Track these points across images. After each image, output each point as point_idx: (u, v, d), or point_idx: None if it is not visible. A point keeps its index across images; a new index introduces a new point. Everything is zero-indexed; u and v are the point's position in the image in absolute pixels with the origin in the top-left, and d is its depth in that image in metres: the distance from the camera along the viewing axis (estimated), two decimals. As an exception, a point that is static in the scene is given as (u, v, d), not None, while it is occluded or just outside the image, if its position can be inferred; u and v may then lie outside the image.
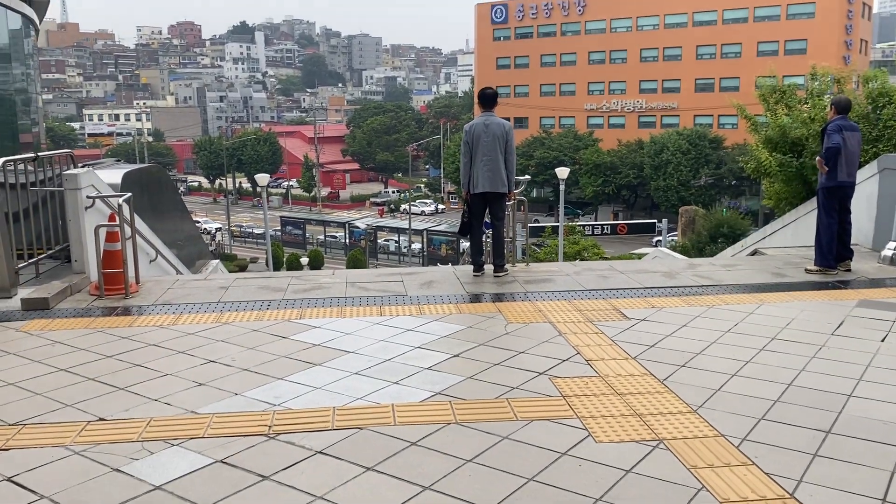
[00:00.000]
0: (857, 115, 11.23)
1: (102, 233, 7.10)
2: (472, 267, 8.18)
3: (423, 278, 7.92)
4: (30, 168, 7.91)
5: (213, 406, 4.45)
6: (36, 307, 6.64)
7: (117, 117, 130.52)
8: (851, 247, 8.05)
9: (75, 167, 8.83)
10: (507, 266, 8.22)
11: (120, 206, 7.07)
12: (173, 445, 3.91)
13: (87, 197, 7.47)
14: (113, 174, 9.72)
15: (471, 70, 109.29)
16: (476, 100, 8.13)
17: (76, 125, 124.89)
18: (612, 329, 5.97)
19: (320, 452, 3.81)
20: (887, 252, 8.21)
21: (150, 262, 9.67)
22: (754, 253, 10.19)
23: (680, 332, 5.92)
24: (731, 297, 7.03)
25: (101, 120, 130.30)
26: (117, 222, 7.03)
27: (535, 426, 4.12)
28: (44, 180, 8.08)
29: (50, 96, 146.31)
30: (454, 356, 5.33)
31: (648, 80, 67.22)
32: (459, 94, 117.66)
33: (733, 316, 6.34)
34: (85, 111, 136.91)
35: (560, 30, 71.78)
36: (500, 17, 74.73)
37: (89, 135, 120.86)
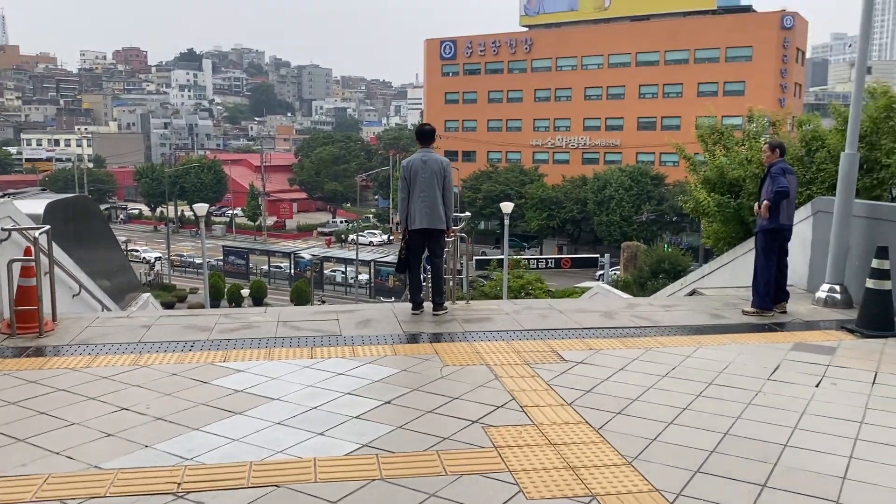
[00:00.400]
0: (791, 157, 11.50)
1: (17, 267, 6.69)
2: (410, 305, 7.99)
3: (359, 317, 7.68)
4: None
5: (120, 460, 4.12)
6: (-62, 347, 6.18)
7: (57, 142, 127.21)
8: (787, 288, 8.12)
9: (-7, 196, 8.37)
10: (447, 304, 8.05)
11: (36, 239, 6.68)
12: (69, 507, 3.58)
13: (2, 229, 7.04)
14: (35, 204, 9.26)
15: (420, 104, 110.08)
16: (415, 136, 8.02)
17: (13, 150, 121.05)
18: (549, 372, 5.82)
19: (231, 514, 3.53)
20: (821, 294, 8.31)
21: (73, 296, 9.20)
22: (693, 293, 10.25)
23: (617, 375, 5.81)
24: (668, 339, 6.98)
25: (40, 145, 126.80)
26: (33, 256, 6.62)
27: (464, 481, 3.91)
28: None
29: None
30: (385, 403, 5.10)
31: (592, 117, 68.66)
32: (409, 127, 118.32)
33: (671, 359, 6.27)
34: (23, 135, 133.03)
35: (507, 67, 72.97)
36: (449, 52, 75.62)
37: (27, 160, 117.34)
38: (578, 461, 4.17)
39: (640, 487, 3.85)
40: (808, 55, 71.83)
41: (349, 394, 5.28)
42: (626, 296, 14.48)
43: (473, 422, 4.76)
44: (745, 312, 7.86)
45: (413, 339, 6.85)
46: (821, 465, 4.20)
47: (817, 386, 5.60)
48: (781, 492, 3.85)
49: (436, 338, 6.87)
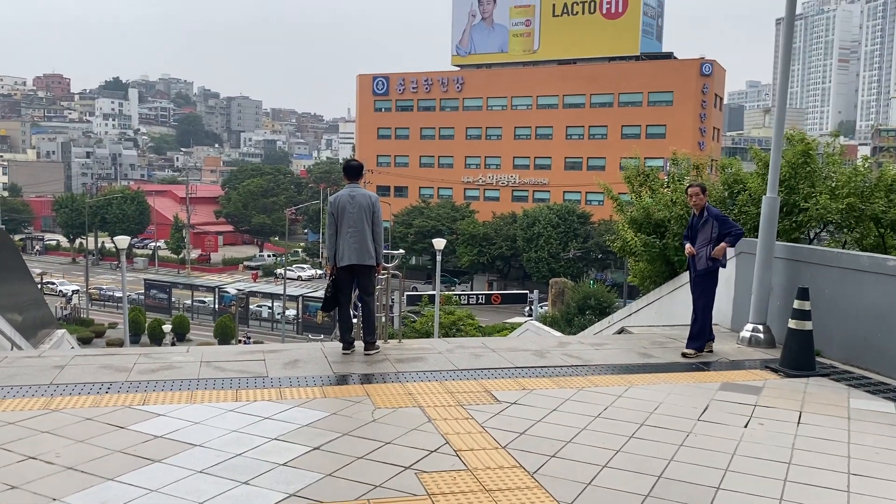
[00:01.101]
0: (714, 199, 11.86)
1: (-84, 303, 6.23)
2: (341, 344, 7.80)
3: (287, 357, 7.44)
4: None
5: (24, 516, 3.81)
6: None
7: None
8: (714, 326, 8.29)
9: None
10: (379, 343, 7.90)
11: (-61, 273, 6.24)
12: (-36, 571, 3.27)
13: None
14: (-60, 236, 8.71)
15: (352, 138, 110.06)
16: (342, 171, 7.92)
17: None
18: (483, 414, 5.73)
19: (146, 575, 3.28)
20: (745, 333, 8.51)
21: (-21, 334, 8.65)
22: (621, 331, 10.37)
23: (550, 416, 5.76)
24: (600, 378, 7.00)
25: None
26: (-66, 292, 6.19)
27: (397, 532, 3.76)
28: None
29: None
30: (315, 449, 4.91)
31: (522, 156, 69.95)
32: (340, 161, 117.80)
33: (603, 399, 6.27)
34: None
35: (439, 105, 73.83)
36: (382, 88, 76.05)
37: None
38: (514, 508, 4.07)
39: (577, 535, 3.78)
40: (725, 101, 75.19)
41: (276, 439, 5.07)
42: (557, 333, 14.59)
43: (406, 468, 4.62)
44: (685, 355, 7.90)
45: (343, 380, 6.66)
46: (752, 507, 4.22)
47: (745, 426, 5.68)
48: (716, 536, 3.84)
49: (367, 379, 6.70)
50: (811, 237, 12.47)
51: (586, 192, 64.14)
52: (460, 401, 6.07)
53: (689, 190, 8.04)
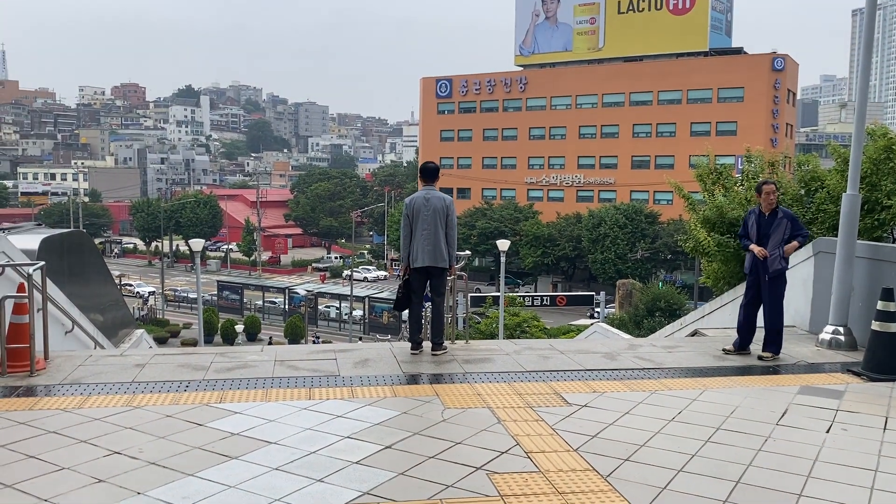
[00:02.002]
0: (790, 197, 11.50)
1: (9, 304, 6.55)
2: (409, 344, 7.86)
3: (357, 356, 7.54)
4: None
5: (111, 508, 3.95)
6: (-75, 386, 6.01)
7: (53, 176, 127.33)
8: (791, 329, 8.03)
9: (-13, 231, 8.27)
10: (446, 343, 7.92)
11: (30, 275, 6.55)
12: (57, 559, 3.42)
13: (-4, 265, 6.92)
14: (30, 240, 9.15)
15: (415, 141, 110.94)
16: (419, 174, 7.96)
17: (9, 183, 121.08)
18: (553, 416, 5.68)
19: (227, 568, 3.37)
20: (825, 336, 8.21)
21: (66, 333, 9.05)
22: (694, 333, 10.13)
23: (622, 420, 5.67)
24: (673, 381, 6.85)
25: (37, 179, 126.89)
26: (25, 293, 6.49)
27: (470, 532, 3.76)
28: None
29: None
30: (386, 448, 4.95)
31: (587, 155, 69.16)
32: (404, 164, 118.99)
33: (677, 403, 6.14)
34: (20, 169, 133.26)
35: (502, 105, 73.66)
36: (445, 91, 76.35)
37: (22, 193, 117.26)
38: (588, 511, 4.02)
39: (653, 540, 3.71)
40: (798, 96, 72.73)
41: (349, 437, 5.13)
42: (626, 336, 14.35)
43: (477, 468, 4.62)
44: (762, 358, 7.66)
45: (413, 380, 6.71)
46: (837, 516, 4.06)
47: (828, 431, 5.48)
48: (799, 545, 3.71)
49: (436, 379, 6.73)
50: (894, 236, 11.95)
51: (654, 192, 63.02)
52: (529, 402, 6.03)
53: (765, 187, 7.73)
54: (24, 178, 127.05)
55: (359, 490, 4.26)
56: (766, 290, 7.72)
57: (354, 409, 5.76)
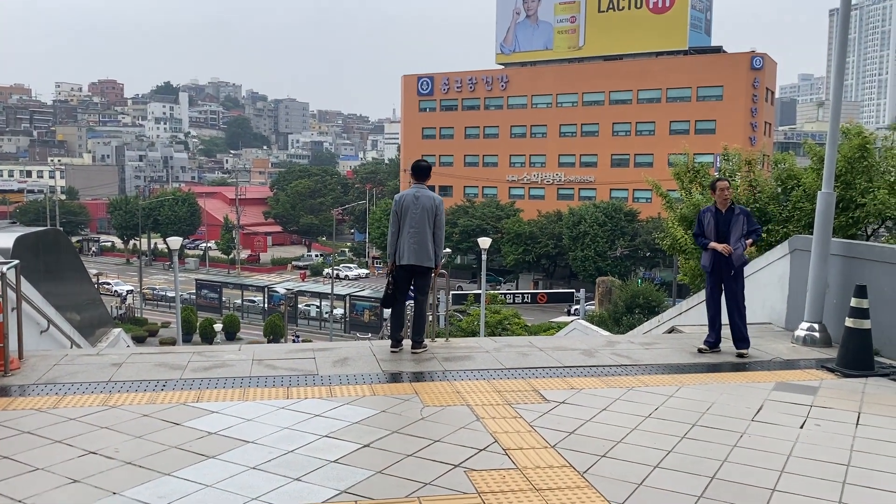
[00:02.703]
0: (767, 196, 11.62)
1: (-18, 303, 6.46)
2: (389, 342, 7.86)
3: (336, 355, 7.53)
4: None
5: (86, 509, 3.92)
6: None
7: (29, 174, 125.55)
8: (767, 325, 8.12)
9: (-40, 229, 8.15)
10: (427, 342, 7.93)
11: (3, 274, 6.47)
12: (31, 561, 3.38)
13: (-32, 263, 6.82)
14: (4, 238, 9.02)
15: (397, 138, 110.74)
16: (410, 171, 7.94)
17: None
18: (532, 413, 5.71)
19: (203, 568, 3.35)
20: (800, 332, 8.31)
21: (42, 332, 8.93)
22: (671, 330, 10.22)
23: (600, 416, 5.71)
24: (650, 377, 6.91)
25: (12, 176, 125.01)
26: (-1, 292, 6.41)
27: (447, 530, 3.77)
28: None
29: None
30: (364, 446, 4.95)
31: (567, 154, 69.47)
32: (386, 161, 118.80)
33: (653, 399, 6.19)
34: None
35: (484, 103, 73.79)
36: (427, 89, 76.34)
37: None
38: (564, 507, 4.05)
39: (629, 535, 3.74)
40: (776, 95, 73.48)
41: (327, 436, 5.13)
42: (605, 333, 14.44)
43: (455, 466, 4.63)
44: (741, 355, 7.73)
45: (392, 378, 6.71)
46: (810, 510, 4.12)
47: (801, 427, 5.55)
48: (772, 539, 3.76)
49: (416, 377, 6.73)
50: (868, 233, 12.12)
51: (634, 190, 63.45)
52: (508, 399, 6.06)
53: (719, 184, 7.78)
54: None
55: (336, 489, 4.26)
56: (730, 286, 7.76)
57: (333, 408, 5.75)
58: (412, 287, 7.81)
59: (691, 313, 11.10)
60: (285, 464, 4.62)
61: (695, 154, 15.28)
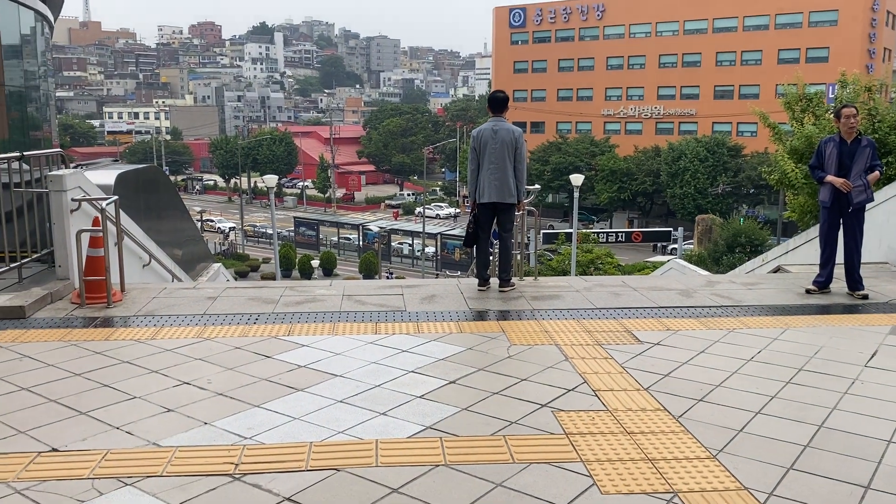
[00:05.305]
0: (888, 125, 10.69)
1: (86, 237, 6.72)
2: (476, 280, 7.74)
3: (424, 292, 7.48)
4: (24, 167, 7.55)
5: (179, 437, 4.02)
6: (11, 315, 6.26)
7: (137, 115, 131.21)
8: (883, 265, 7.53)
9: (66, 168, 8.48)
10: (514, 280, 7.76)
11: (104, 209, 6.68)
12: (126, 485, 3.49)
13: (73, 199, 7.09)
14: (106, 175, 9.36)
15: (488, 73, 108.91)
16: (487, 104, 7.68)
17: (96, 123, 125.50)
18: (623, 354, 5.50)
19: (288, 500, 3.37)
20: (921, 273, 7.68)
21: (143, 266, 9.31)
22: (777, 269, 9.67)
23: (697, 359, 5.44)
24: (752, 319, 6.54)
25: (121, 118, 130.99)
26: (100, 227, 6.63)
27: (533, 470, 3.66)
28: (31, 181, 7.71)
29: (71, 94, 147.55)
30: (450, 383, 4.88)
31: (667, 86, 66.49)
32: (476, 98, 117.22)
33: (756, 342, 5.85)
34: (105, 109, 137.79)
35: (578, 34, 71.20)
36: (518, 20, 74.24)
37: (108, 132, 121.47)
38: (658, 453, 3.86)
39: (727, 485, 3.53)
40: (900, 18, 67.58)
41: (413, 372, 5.09)
42: (704, 272, 13.88)
43: (542, 405, 4.50)
44: (862, 296, 7.19)
45: (479, 316, 6.60)
46: (931, 465, 3.78)
47: (922, 375, 5.12)
48: (887, 495, 3.47)
49: (503, 315, 6.61)
50: None
51: (737, 123, 60.34)
52: (599, 340, 5.85)
53: (845, 111, 7.04)
54: (109, 118, 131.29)
55: (421, 424, 4.21)
56: (850, 223, 7.18)
57: (420, 344, 5.71)
58: (496, 225, 7.62)
59: (799, 252, 10.46)
60: (371, 398, 4.61)
61: (805, 84, 14.20)
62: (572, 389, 4.77)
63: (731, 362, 5.36)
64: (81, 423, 4.23)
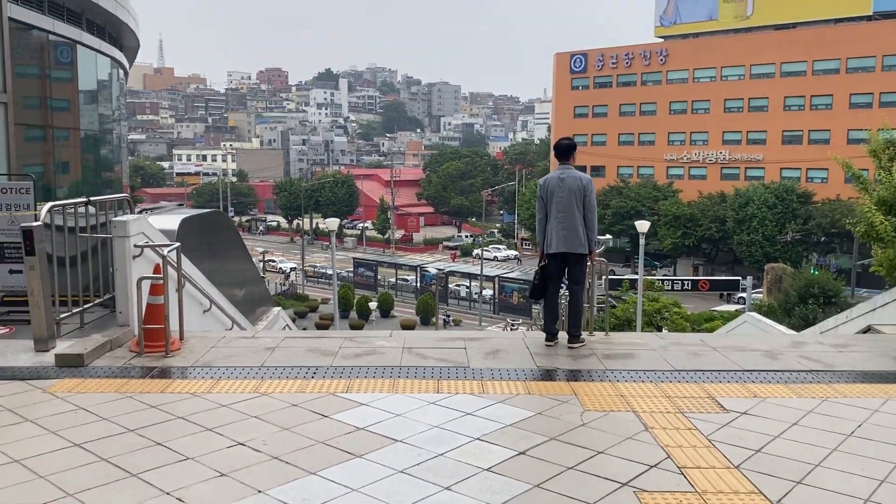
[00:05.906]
0: None
1: (147, 284, 6.64)
2: (542, 334, 7.37)
3: (488, 346, 7.14)
4: (90, 210, 7.58)
5: (230, 508, 3.76)
6: (70, 363, 6.17)
7: (205, 157, 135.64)
8: None
9: (132, 212, 8.51)
10: (584, 335, 7.37)
11: (165, 256, 6.59)
12: (172, 564, 3.23)
13: (135, 245, 7.04)
14: (170, 220, 9.39)
15: (548, 118, 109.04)
16: (553, 152, 7.40)
17: (166, 164, 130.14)
18: (708, 424, 5.04)
19: (345, 591, 3.05)
20: None
21: (204, 312, 9.23)
22: (867, 329, 9.00)
23: (790, 432, 4.94)
24: (847, 387, 5.98)
25: (190, 160, 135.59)
26: (161, 274, 6.54)
27: (617, 565, 3.26)
28: (96, 226, 7.73)
29: (143, 136, 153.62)
30: (520, 454, 4.51)
31: (732, 130, 65.26)
32: (535, 142, 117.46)
33: (854, 414, 5.31)
34: (175, 151, 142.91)
35: (640, 79, 70.77)
36: (580, 66, 74.32)
37: (177, 174, 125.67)
38: (758, 548, 3.41)
39: None
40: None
41: (479, 439, 4.73)
42: (782, 328, 13.16)
43: (623, 484, 4.09)
44: None
45: (548, 375, 6.22)
46: None
47: None
48: None
49: (573, 375, 6.21)
50: None
51: (807, 169, 58.65)
52: (680, 407, 5.40)
53: None
54: (178, 160, 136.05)
55: (489, 502, 3.85)
56: None
57: (485, 407, 5.36)
58: (566, 276, 7.26)
59: (889, 309, 9.74)
60: (434, 469, 4.27)
61: (878, 129, 13.46)
62: (655, 465, 4.35)
63: (830, 437, 4.85)
64: (132, 486, 4.01)
